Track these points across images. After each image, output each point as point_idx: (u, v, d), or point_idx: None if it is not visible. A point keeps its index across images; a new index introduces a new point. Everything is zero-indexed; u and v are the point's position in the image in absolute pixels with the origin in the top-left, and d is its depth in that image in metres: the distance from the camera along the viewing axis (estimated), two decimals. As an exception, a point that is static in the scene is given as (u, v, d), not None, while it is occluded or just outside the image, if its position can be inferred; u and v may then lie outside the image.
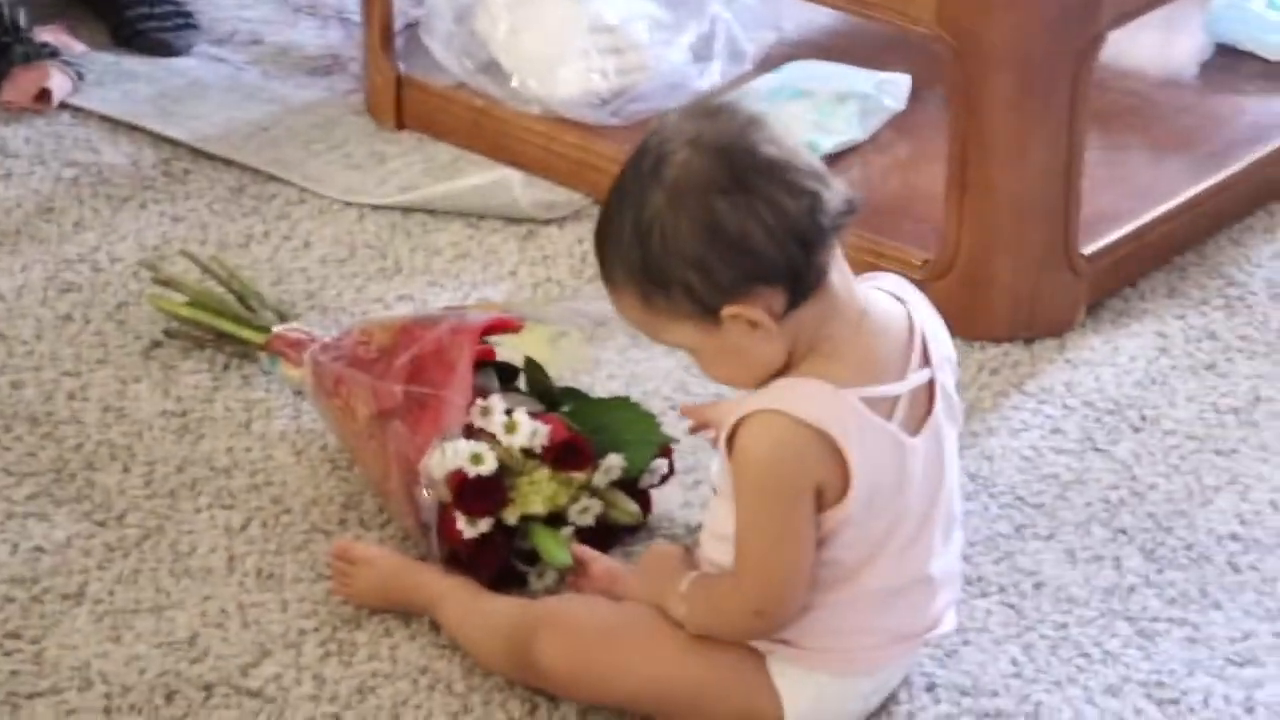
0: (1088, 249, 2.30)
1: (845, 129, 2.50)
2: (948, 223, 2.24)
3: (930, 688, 1.78)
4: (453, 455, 1.84)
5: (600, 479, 1.90)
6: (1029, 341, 2.27)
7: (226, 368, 2.23)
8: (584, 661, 1.71)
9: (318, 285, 2.39)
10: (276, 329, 2.17)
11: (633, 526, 1.95)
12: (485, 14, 2.64)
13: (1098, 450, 2.11)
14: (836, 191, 1.57)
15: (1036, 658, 1.82)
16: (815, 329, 1.59)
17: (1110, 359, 2.26)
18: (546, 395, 1.96)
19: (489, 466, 1.84)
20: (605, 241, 1.60)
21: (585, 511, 1.90)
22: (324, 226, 2.51)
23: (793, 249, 1.54)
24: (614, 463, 1.90)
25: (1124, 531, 1.99)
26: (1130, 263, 2.37)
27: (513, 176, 2.52)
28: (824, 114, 2.50)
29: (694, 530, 1.93)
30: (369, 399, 1.94)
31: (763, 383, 1.62)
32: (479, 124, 2.62)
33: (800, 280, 1.55)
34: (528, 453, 1.86)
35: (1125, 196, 2.41)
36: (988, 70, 2.16)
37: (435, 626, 1.84)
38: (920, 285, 2.18)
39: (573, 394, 1.99)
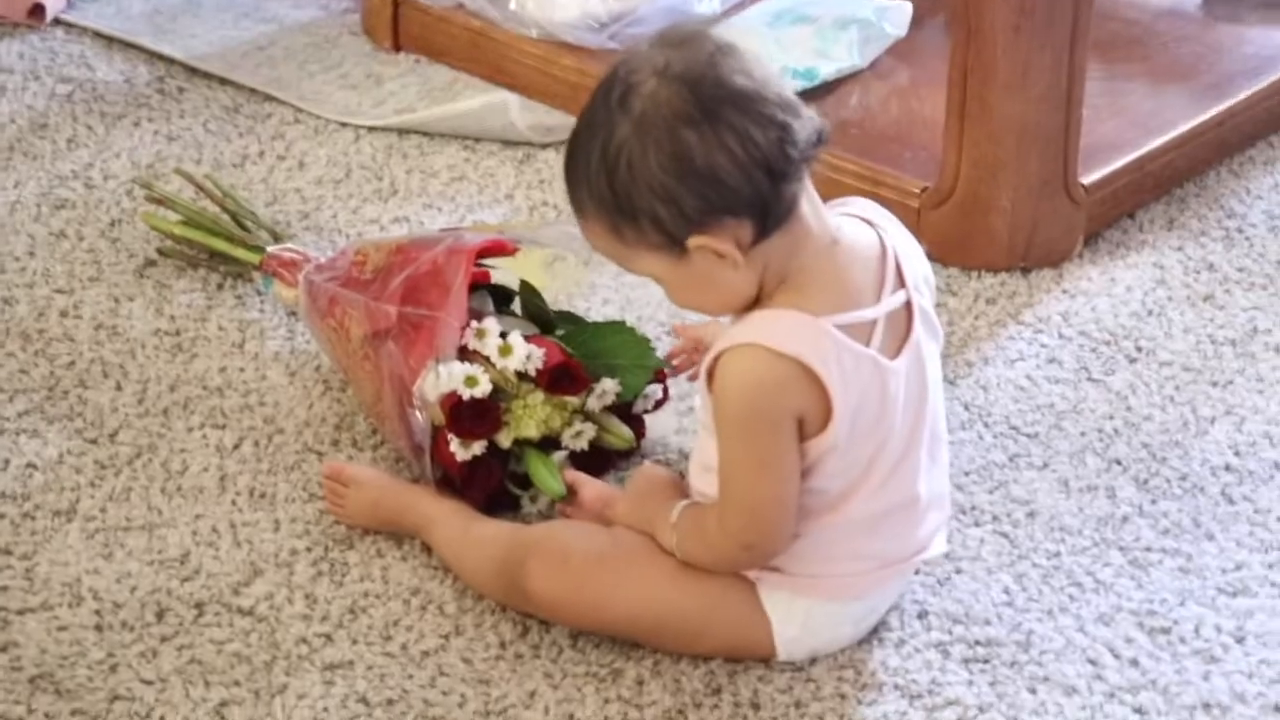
0: (1087, 179, 2.29)
1: (845, 55, 2.49)
2: (947, 150, 2.23)
3: (922, 615, 1.78)
4: (447, 377, 1.83)
5: (594, 403, 1.90)
6: (1026, 271, 2.27)
7: (220, 287, 2.22)
8: (574, 588, 1.71)
9: (312, 206, 2.38)
10: (271, 249, 2.17)
11: (626, 451, 1.94)
12: (484, -66, 2.62)
13: (1093, 380, 2.10)
14: (806, 122, 1.55)
15: (1029, 586, 1.82)
16: (786, 259, 1.58)
17: (1107, 289, 2.25)
18: (541, 319, 1.95)
19: (483, 389, 1.83)
20: (574, 172, 1.58)
21: (579, 436, 1.89)
22: (319, 147, 2.50)
23: (761, 181, 1.53)
24: (608, 387, 1.90)
25: (1118, 462, 1.98)
26: (1129, 193, 2.36)
27: (510, 99, 2.51)
28: (825, 40, 2.49)
29: (688, 455, 1.92)
30: (363, 319, 1.93)
31: (732, 310, 1.61)
32: (476, 46, 2.61)
33: (768, 212, 1.54)
34: (522, 376, 1.85)
35: (1125, 126, 2.39)
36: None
37: (427, 548, 1.84)
38: (918, 213, 2.21)
39: (568, 318, 1.98)
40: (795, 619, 1.69)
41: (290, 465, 1.96)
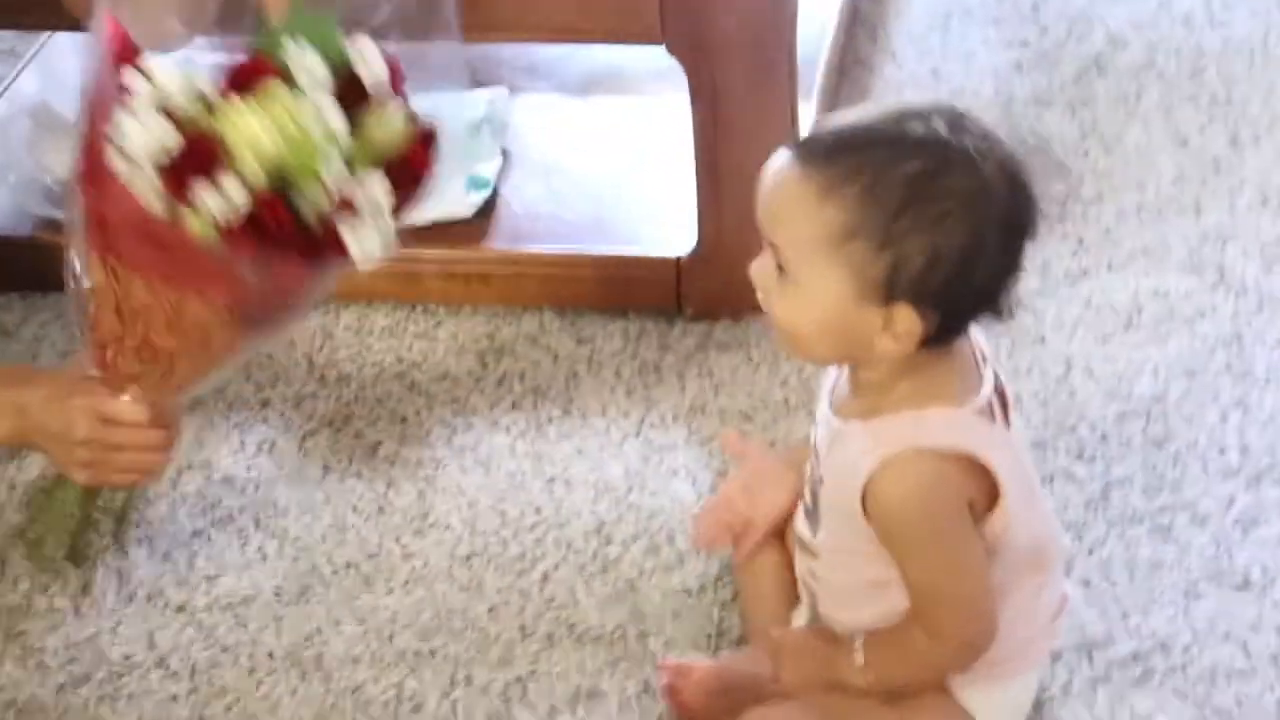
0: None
1: (489, 155, 2.22)
2: (704, 210, 2.09)
3: (1054, 657, 1.66)
4: (136, 131, 1.47)
5: (307, 82, 1.50)
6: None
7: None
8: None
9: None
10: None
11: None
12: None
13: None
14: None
15: (1108, 586, 1.71)
16: (920, 362, 1.51)
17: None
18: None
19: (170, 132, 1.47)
20: (865, 150, 1.40)
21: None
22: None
23: (976, 303, 1.46)
24: (310, 61, 1.51)
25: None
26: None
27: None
28: (470, 147, 2.21)
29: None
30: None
31: (832, 360, 1.53)
32: None
33: (954, 329, 1.47)
34: (204, 96, 1.49)
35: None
36: (719, 71, 2.04)
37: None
38: (678, 281, 2.10)
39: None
40: (1002, 706, 1.62)
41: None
